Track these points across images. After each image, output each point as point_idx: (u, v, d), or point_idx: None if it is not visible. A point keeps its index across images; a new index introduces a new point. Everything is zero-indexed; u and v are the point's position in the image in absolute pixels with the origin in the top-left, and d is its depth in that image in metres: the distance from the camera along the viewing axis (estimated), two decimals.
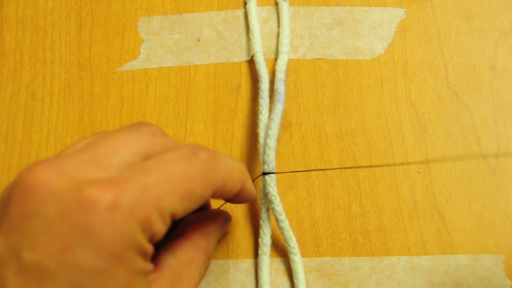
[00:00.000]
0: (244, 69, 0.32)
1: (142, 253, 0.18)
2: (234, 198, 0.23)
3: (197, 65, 0.32)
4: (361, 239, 0.28)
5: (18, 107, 0.32)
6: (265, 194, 0.28)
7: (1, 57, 0.33)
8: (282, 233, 0.27)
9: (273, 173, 0.27)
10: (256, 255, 0.28)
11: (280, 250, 0.28)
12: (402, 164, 0.29)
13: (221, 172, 0.21)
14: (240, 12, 0.33)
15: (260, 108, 0.29)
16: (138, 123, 0.22)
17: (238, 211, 0.29)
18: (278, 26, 0.32)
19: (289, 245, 0.27)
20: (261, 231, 0.28)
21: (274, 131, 0.27)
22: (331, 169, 0.29)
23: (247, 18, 0.32)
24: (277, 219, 0.27)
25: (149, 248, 0.19)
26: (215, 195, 0.21)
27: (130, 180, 0.18)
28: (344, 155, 0.30)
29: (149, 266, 0.19)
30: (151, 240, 0.19)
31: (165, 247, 0.21)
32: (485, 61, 0.31)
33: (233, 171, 0.22)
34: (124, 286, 0.17)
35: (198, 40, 0.32)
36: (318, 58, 0.31)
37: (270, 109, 0.29)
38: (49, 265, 0.17)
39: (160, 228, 0.18)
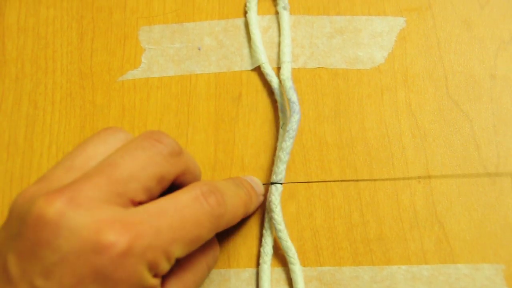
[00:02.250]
0: (245, 78, 0.32)
1: None
2: None
3: (198, 74, 0.32)
4: (361, 248, 0.28)
5: (20, 116, 0.32)
6: (268, 203, 0.28)
7: (3, 66, 0.33)
8: (281, 243, 0.28)
9: (280, 183, 0.28)
10: (257, 264, 0.28)
11: (282, 259, 0.28)
12: (403, 178, 0.29)
13: (227, 217, 0.22)
14: (240, 21, 0.33)
15: (281, 122, 0.30)
16: (156, 137, 0.22)
17: (240, 221, 0.29)
18: (279, 35, 0.32)
19: (288, 255, 0.27)
20: (263, 240, 0.28)
21: (288, 144, 0.28)
22: (345, 180, 0.29)
23: (248, 27, 0.32)
24: (276, 229, 0.27)
25: (154, 283, 0.19)
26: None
27: (145, 223, 0.19)
28: (345, 165, 0.30)
29: None
30: (155, 276, 0.19)
31: (171, 280, 0.22)
32: (485, 70, 0.31)
33: (238, 210, 0.23)
34: None
35: (199, 49, 0.32)
36: (319, 67, 0.32)
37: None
38: None
39: (165, 268, 0.19)
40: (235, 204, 0.23)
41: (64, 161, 0.21)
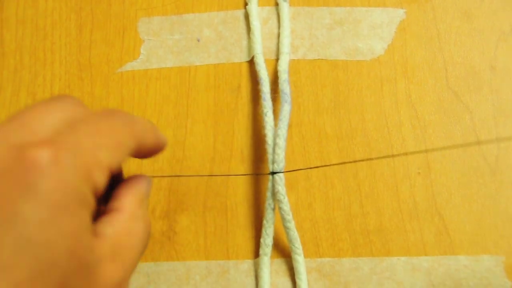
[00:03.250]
0: (244, 69, 0.32)
1: (87, 206, 0.19)
2: (151, 150, 0.24)
3: (197, 65, 0.32)
4: (361, 240, 0.28)
5: (18, 108, 0.32)
6: (273, 194, 0.27)
7: (1, 58, 0.33)
8: (288, 233, 0.27)
9: (282, 172, 0.27)
10: (256, 255, 0.28)
11: (281, 250, 0.28)
12: (401, 154, 0.29)
13: (139, 124, 0.22)
14: (240, 13, 0.33)
15: (265, 110, 0.29)
16: (58, 95, 0.23)
17: (238, 211, 0.29)
18: (278, 26, 0.32)
19: (293, 245, 0.27)
20: (263, 232, 0.28)
21: (283, 131, 0.28)
22: (344, 163, 0.29)
23: (247, 18, 0.32)
24: (284, 219, 0.27)
25: (93, 202, 0.19)
26: (137, 149, 0.22)
27: (63, 139, 0.19)
28: (344, 156, 0.30)
29: (92, 226, 0.19)
30: (94, 192, 0.19)
31: (102, 221, 0.21)
32: (485, 61, 0.31)
33: (146, 123, 0.23)
34: (71, 236, 0.17)
35: (198, 41, 0.32)
36: (318, 59, 0.32)
37: (274, 111, 0.29)
38: None
39: (101, 179, 0.19)
40: (139, 117, 0.23)
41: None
